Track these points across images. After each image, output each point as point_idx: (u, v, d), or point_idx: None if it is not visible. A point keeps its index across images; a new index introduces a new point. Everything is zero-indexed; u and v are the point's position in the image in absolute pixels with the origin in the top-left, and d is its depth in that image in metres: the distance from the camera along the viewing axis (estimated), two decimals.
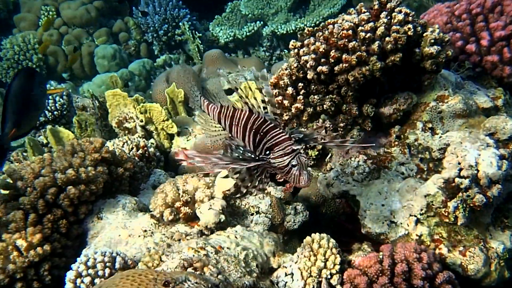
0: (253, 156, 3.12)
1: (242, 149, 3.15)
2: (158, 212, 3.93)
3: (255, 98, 3.15)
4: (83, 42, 10.80)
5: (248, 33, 10.52)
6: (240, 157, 3.11)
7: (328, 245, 3.39)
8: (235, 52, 10.89)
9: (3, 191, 4.09)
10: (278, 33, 10.14)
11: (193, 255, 3.23)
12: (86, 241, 4.10)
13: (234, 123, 3.22)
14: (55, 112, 6.57)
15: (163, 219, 3.91)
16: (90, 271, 3.24)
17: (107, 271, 3.26)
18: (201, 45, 10.35)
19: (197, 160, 2.81)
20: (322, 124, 4.00)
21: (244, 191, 3.15)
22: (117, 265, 3.31)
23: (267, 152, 3.03)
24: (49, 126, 6.11)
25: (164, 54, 11.16)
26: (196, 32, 10.46)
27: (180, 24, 10.59)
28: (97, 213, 4.22)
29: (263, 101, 3.06)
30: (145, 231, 3.93)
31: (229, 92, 6.57)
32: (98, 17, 11.16)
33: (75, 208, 4.09)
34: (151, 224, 3.98)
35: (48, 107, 6.52)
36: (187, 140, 5.81)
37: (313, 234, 3.48)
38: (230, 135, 3.35)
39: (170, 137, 5.92)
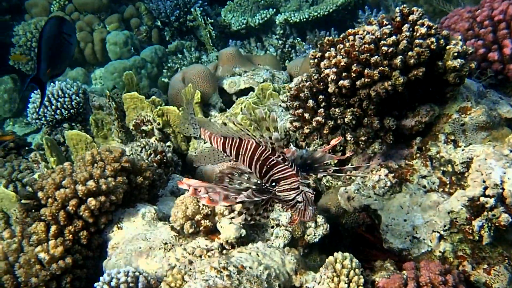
0: (258, 182, 3.04)
1: (247, 175, 3.07)
2: (179, 225, 3.92)
3: (260, 134, 2.98)
4: (94, 28, 10.75)
5: (260, 21, 10.42)
6: (245, 185, 3.04)
7: (351, 265, 3.37)
8: (247, 38, 10.76)
9: (25, 201, 4.11)
10: (291, 21, 10.00)
11: (216, 276, 3.23)
12: (106, 251, 4.11)
13: (241, 153, 3.12)
14: (72, 111, 6.56)
15: (184, 231, 3.91)
16: None
17: None
18: (213, 31, 10.24)
19: (202, 192, 2.72)
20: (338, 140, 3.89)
21: (249, 219, 3.06)
22: (140, 286, 3.32)
23: (273, 184, 2.96)
24: (66, 132, 6.09)
25: (176, 40, 11.06)
26: (208, 18, 10.35)
27: (192, 10, 10.46)
28: (117, 223, 4.22)
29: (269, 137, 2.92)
30: (166, 243, 3.93)
31: (246, 92, 6.52)
32: (109, 3, 11.07)
33: (96, 219, 4.09)
34: (172, 237, 3.97)
35: (65, 105, 6.49)
36: (204, 142, 5.77)
37: (335, 254, 3.45)
38: (235, 161, 3.24)
39: (187, 139, 5.89)
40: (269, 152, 2.92)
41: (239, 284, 3.22)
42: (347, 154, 3.72)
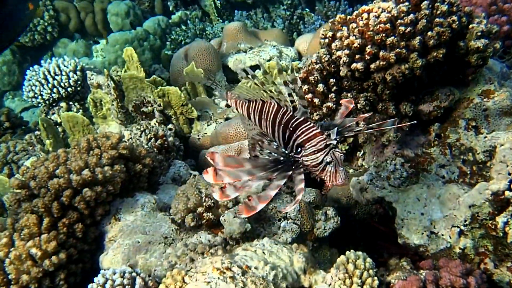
0: (286, 152, 2.90)
1: (275, 144, 2.95)
2: (180, 218, 3.68)
3: (279, 92, 2.88)
4: None
5: None
6: (273, 154, 2.92)
7: (365, 265, 3.12)
8: (254, 8, 10.38)
9: (17, 190, 3.85)
10: None
11: (218, 278, 2.99)
12: (103, 244, 3.88)
13: (263, 117, 2.98)
14: (69, 89, 6.25)
15: (185, 224, 3.66)
16: None
17: None
18: (218, 1, 9.86)
19: (227, 179, 2.47)
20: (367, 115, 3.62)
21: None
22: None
23: (299, 150, 2.78)
24: (62, 113, 5.81)
25: (179, 10, 10.71)
26: None
27: None
28: (114, 214, 3.99)
29: (289, 95, 2.83)
30: (166, 237, 3.70)
31: (253, 69, 6.19)
32: None
33: (92, 210, 3.86)
34: (172, 230, 3.74)
35: (62, 83, 6.20)
36: (208, 125, 5.50)
37: (347, 253, 3.20)
38: (261, 131, 3.10)
39: (190, 121, 5.60)
40: (291, 113, 2.79)
41: (244, 287, 2.98)
42: (366, 115, 3.42)
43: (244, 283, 3.01)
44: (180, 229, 3.75)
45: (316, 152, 2.67)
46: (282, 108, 2.84)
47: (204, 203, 3.68)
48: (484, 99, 3.78)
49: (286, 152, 2.90)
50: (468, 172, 3.73)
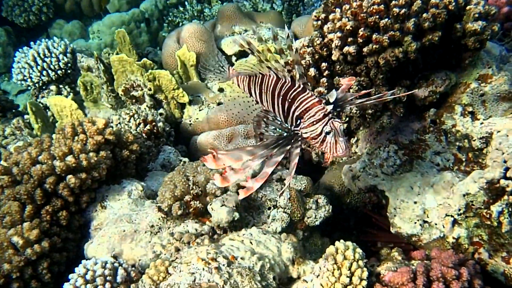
0: (287, 129, 2.84)
1: (279, 120, 2.88)
2: (166, 206, 3.57)
3: (276, 61, 2.82)
4: None
5: None
6: (277, 130, 2.88)
7: (354, 256, 3.02)
8: None
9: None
10: None
11: (203, 269, 2.90)
12: (89, 232, 3.79)
13: (263, 91, 2.92)
14: (59, 72, 6.10)
15: (172, 213, 3.55)
16: (89, 286, 2.91)
17: (108, 286, 2.94)
18: None
19: (228, 162, 2.41)
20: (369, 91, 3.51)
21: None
22: (118, 279, 3.00)
23: (298, 122, 2.70)
24: (49, 97, 5.69)
25: None
26: None
27: None
28: (100, 201, 3.91)
29: (286, 63, 2.76)
30: (152, 226, 3.60)
31: (244, 53, 6.04)
32: None
33: (77, 197, 3.76)
34: (159, 219, 3.63)
35: (52, 66, 6.06)
36: (200, 110, 5.36)
37: (337, 243, 3.10)
38: (264, 108, 3.03)
39: (181, 106, 5.47)
40: (289, 84, 2.72)
41: (229, 278, 2.89)
42: (366, 91, 3.30)
43: (229, 274, 2.92)
44: (167, 217, 3.65)
45: (314, 122, 2.59)
46: (281, 79, 2.77)
47: (191, 191, 3.57)
48: (482, 84, 3.65)
49: (288, 126, 2.83)
50: (464, 160, 3.62)
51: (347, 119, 4.02)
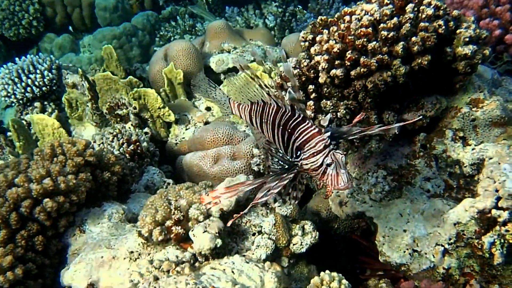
0: (287, 161, 2.74)
1: (281, 153, 2.79)
2: (147, 231, 3.42)
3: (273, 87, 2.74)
4: None
5: None
6: (276, 166, 2.79)
7: None
8: (245, 4, 10.15)
9: None
10: None
11: None
12: (66, 257, 3.65)
13: (263, 120, 2.81)
14: (44, 88, 5.98)
15: (152, 239, 3.41)
16: None
17: None
18: None
19: (227, 196, 2.41)
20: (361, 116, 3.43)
21: (277, 199, 2.82)
22: None
23: (298, 153, 2.61)
24: (31, 115, 5.55)
25: (170, 5, 10.50)
26: None
27: None
28: (79, 225, 3.77)
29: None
30: (132, 252, 3.45)
31: (235, 71, 5.94)
32: None
33: (54, 221, 3.62)
34: (139, 244, 3.49)
35: (36, 82, 5.93)
36: (186, 129, 5.25)
37: (322, 274, 2.98)
38: (267, 139, 2.92)
39: (167, 125, 5.35)
40: (289, 114, 2.61)
41: None
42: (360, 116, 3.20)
43: None
44: (147, 243, 3.51)
45: (315, 154, 2.49)
46: (281, 109, 2.66)
47: (173, 216, 3.44)
48: (473, 109, 3.56)
49: (290, 159, 2.74)
50: (455, 186, 3.52)
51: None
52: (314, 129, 2.51)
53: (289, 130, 2.59)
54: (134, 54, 9.53)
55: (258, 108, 2.85)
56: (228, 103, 3.14)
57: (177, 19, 10.00)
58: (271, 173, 2.78)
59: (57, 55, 9.46)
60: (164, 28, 9.92)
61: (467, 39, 3.32)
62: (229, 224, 2.49)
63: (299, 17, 8.95)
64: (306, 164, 2.54)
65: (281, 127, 2.65)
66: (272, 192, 2.48)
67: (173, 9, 10.38)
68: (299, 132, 2.55)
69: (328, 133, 2.50)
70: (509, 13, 4.05)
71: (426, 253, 3.32)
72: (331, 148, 2.47)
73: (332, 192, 2.66)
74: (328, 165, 2.44)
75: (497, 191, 3.11)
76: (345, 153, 2.54)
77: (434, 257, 3.28)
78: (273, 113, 2.71)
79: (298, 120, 2.57)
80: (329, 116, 2.53)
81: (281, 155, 2.79)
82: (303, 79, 3.54)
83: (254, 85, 2.81)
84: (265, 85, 2.72)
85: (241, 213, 2.51)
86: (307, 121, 2.54)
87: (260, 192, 2.48)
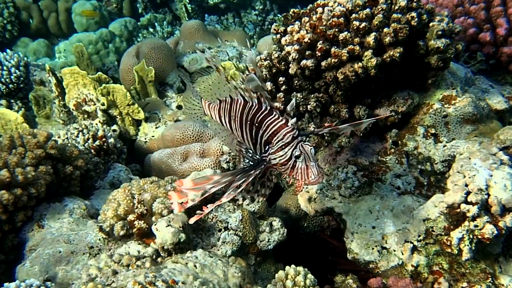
0: (256, 160, 2.63)
1: (251, 152, 2.68)
2: (108, 226, 3.30)
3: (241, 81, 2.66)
4: None
5: None
6: (248, 162, 2.68)
7: (305, 282, 2.81)
8: (225, 13, 10.13)
9: None
10: None
11: None
12: (23, 253, 3.48)
13: (232, 117, 2.70)
14: (10, 85, 5.82)
15: (114, 233, 3.28)
16: None
17: None
18: (189, 5, 9.60)
19: (193, 193, 2.31)
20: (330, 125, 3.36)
21: (246, 197, 2.68)
22: None
23: (267, 148, 2.50)
24: None
25: (149, 12, 10.44)
26: None
27: None
28: (38, 220, 3.60)
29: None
30: (91, 247, 3.32)
31: (209, 71, 5.85)
32: None
33: (11, 215, 3.45)
34: (99, 239, 3.36)
35: (2, 79, 5.77)
36: (156, 127, 5.13)
37: (287, 268, 2.88)
38: (238, 138, 2.80)
39: (137, 123, 5.22)
40: (256, 107, 2.50)
41: None
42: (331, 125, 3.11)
43: None
44: (108, 238, 3.38)
45: (283, 146, 2.40)
46: (248, 103, 2.56)
47: (136, 210, 3.31)
48: (445, 105, 3.53)
49: (257, 156, 2.64)
50: (425, 183, 3.47)
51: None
52: (281, 120, 2.43)
53: (257, 124, 2.50)
54: (110, 60, 9.40)
55: (226, 105, 2.75)
56: (201, 102, 3.05)
57: (155, 26, 9.92)
58: (238, 168, 2.69)
59: (31, 60, 9.29)
60: (142, 35, 9.86)
61: (440, 32, 3.30)
62: (191, 221, 2.36)
63: (276, 21, 8.95)
64: (275, 158, 2.44)
65: (248, 122, 2.56)
66: (239, 189, 2.39)
67: (152, 16, 10.31)
68: (267, 125, 2.46)
69: (294, 121, 2.41)
70: (483, 12, 4.03)
71: (395, 250, 3.24)
72: (299, 140, 2.38)
73: (302, 188, 2.55)
74: (297, 157, 2.36)
75: (466, 185, 3.04)
76: (313, 144, 2.44)
77: (402, 254, 3.21)
78: (240, 109, 2.62)
79: (265, 112, 2.47)
80: (293, 101, 2.42)
81: (250, 154, 2.69)
82: (274, 71, 3.47)
83: (222, 80, 2.72)
84: (232, 79, 2.62)
85: (205, 211, 2.38)
86: (274, 113, 2.45)
87: (228, 191, 2.38)
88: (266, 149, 2.52)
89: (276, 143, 2.43)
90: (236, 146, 2.82)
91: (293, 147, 2.37)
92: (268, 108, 2.47)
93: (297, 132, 2.40)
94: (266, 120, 2.46)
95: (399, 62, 3.25)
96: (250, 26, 9.74)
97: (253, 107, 2.53)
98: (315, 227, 3.79)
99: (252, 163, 2.66)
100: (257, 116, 2.50)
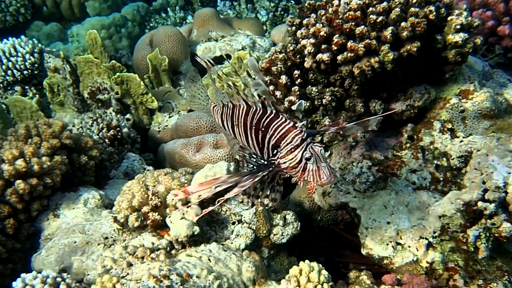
0: (261, 162, 2.60)
1: (255, 157, 2.64)
2: (123, 217, 3.31)
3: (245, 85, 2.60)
4: None
5: None
6: (252, 167, 2.63)
7: (319, 278, 2.80)
8: None
9: None
10: None
11: (154, 287, 2.64)
12: (39, 242, 3.51)
13: (235, 123, 2.66)
14: (25, 72, 5.82)
15: (128, 225, 3.29)
16: None
17: None
18: None
19: (200, 192, 2.33)
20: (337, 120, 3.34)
21: (255, 202, 2.66)
22: None
23: (275, 152, 2.46)
24: (9, 97, 5.40)
25: None
26: None
27: None
28: (53, 209, 3.64)
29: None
30: (106, 238, 3.35)
31: (221, 61, 5.82)
32: None
33: (27, 204, 3.48)
34: (114, 230, 3.38)
35: (17, 66, 5.77)
36: (170, 117, 5.12)
37: (301, 264, 2.87)
38: (240, 144, 2.78)
39: (151, 112, 5.22)
40: (261, 112, 2.46)
41: None
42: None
43: None
44: (123, 229, 3.40)
45: (292, 149, 2.36)
46: (251, 108, 2.51)
47: (150, 202, 3.32)
48: (462, 100, 3.48)
49: (262, 161, 2.60)
50: (441, 179, 3.43)
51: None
52: (289, 123, 2.38)
53: (263, 129, 2.46)
54: (122, 45, 9.36)
55: (228, 111, 2.71)
56: (208, 104, 3.02)
57: (168, 11, 9.86)
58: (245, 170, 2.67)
59: (44, 44, 9.28)
60: (154, 20, 9.78)
61: (458, 27, 3.24)
62: (194, 220, 2.36)
63: (291, 12, 8.83)
64: (284, 162, 2.41)
65: (253, 128, 2.52)
66: (245, 188, 2.38)
67: (164, 1, 10.22)
68: (273, 128, 2.42)
69: (303, 123, 2.38)
70: (502, 4, 3.97)
71: (409, 246, 3.22)
72: (308, 142, 2.35)
73: (315, 190, 2.52)
74: (308, 159, 2.33)
75: (484, 183, 3.02)
76: (323, 145, 2.40)
77: (417, 250, 3.19)
78: (243, 114, 2.57)
79: (271, 116, 2.43)
80: (302, 102, 2.38)
81: (254, 160, 2.65)
82: (289, 63, 3.43)
83: (222, 86, 2.68)
84: (234, 84, 2.57)
85: (209, 209, 2.39)
86: (280, 116, 2.41)
87: (234, 189, 2.37)
88: (274, 153, 2.48)
89: (284, 147, 2.39)
90: (238, 151, 2.80)
91: (302, 149, 2.34)
92: (274, 111, 2.43)
93: (305, 134, 2.36)
94: (273, 124, 2.42)
95: (416, 56, 3.21)
96: (263, 12, 9.61)
97: (257, 112, 2.49)
98: (329, 221, 3.78)
99: (257, 168, 2.62)
100: (263, 120, 2.46)
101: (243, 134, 2.61)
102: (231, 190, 2.39)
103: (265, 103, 2.42)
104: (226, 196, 2.35)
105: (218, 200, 2.36)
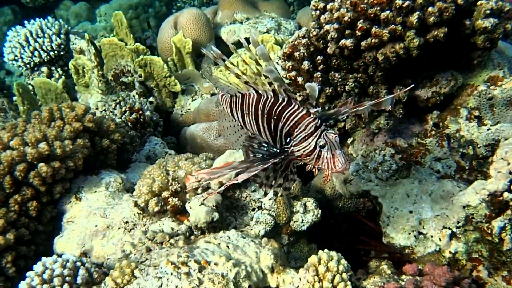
0: (272, 151, 2.55)
1: (266, 146, 2.59)
2: (143, 201, 3.33)
3: (256, 74, 2.48)
4: None
5: None
6: (262, 157, 2.56)
7: (338, 268, 2.77)
8: None
9: None
10: None
11: (172, 273, 2.65)
12: (61, 225, 3.56)
13: (245, 112, 2.60)
14: (51, 53, 5.87)
15: (148, 209, 3.31)
16: (45, 287, 2.67)
17: (66, 287, 2.69)
18: None
19: (210, 177, 2.27)
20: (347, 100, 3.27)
21: (268, 191, 2.59)
22: (79, 279, 2.75)
23: (288, 140, 2.41)
24: (35, 79, 5.45)
25: None
26: None
27: None
28: (76, 192, 3.68)
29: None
30: (126, 222, 3.37)
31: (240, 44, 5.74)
32: None
33: (49, 187, 3.52)
34: (134, 215, 3.40)
35: (44, 47, 5.81)
36: (192, 100, 5.11)
37: (320, 252, 2.84)
38: (249, 134, 2.71)
39: (174, 95, 5.21)
40: (272, 100, 2.41)
41: (199, 285, 2.64)
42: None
43: (200, 280, 2.68)
44: (143, 213, 3.41)
45: (306, 137, 2.30)
46: (262, 96, 2.46)
47: (170, 187, 3.32)
48: (491, 87, 3.37)
49: (274, 149, 2.55)
50: (467, 168, 3.34)
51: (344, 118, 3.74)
52: (302, 111, 2.32)
53: (275, 118, 2.40)
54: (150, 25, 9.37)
55: (237, 100, 2.66)
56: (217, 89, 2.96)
57: None
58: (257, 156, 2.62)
59: (73, 23, 9.34)
60: (181, 0, 9.74)
61: (488, 12, 3.12)
62: (215, 192, 2.33)
63: None
64: (298, 150, 2.35)
65: (265, 116, 2.46)
66: (255, 173, 2.32)
67: None
68: (286, 116, 2.36)
69: (317, 110, 2.32)
70: None
71: (432, 236, 3.16)
72: (322, 129, 2.28)
73: (330, 178, 2.45)
74: (322, 147, 2.27)
75: (510, 173, 2.92)
76: (337, 133, 2.33)
77: (440, 240, 3.13)
78: (254, 103, 2.51)
79: (283, 104, 2.37)
80: (315, 88, 2.30)
81: (266, 148, 2.59)
82: (312, 49, 3.36)
83: (230, 75, 2.61)
84: (243, 73, 2.50)
85: (219, 189, 2.39)
86: (293, 104, 2.34)
87: (242, 174, 2.30)
88: (287, 141, 2.43)
89: (298, 135, 2.34)
90: (245, 142, 2.71)
91: (317, 136, 2.28)
92: (286, 99, 2.37)
93: (319, 121, 2.30)
94: (286, 112, 2.36)
95: (443, 42, 3.11)
96: None
97: (268, 100, 2.43)
98: (350, 208, 3.74)
99: (267, 156, 2.56)
100: (275, 108, 2.40)
101: (254, 123, 2.56)
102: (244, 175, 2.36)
103: (276, 91, 2.37)
104: (229, 182, 2.30)
105: (225, 184, 2.33)
